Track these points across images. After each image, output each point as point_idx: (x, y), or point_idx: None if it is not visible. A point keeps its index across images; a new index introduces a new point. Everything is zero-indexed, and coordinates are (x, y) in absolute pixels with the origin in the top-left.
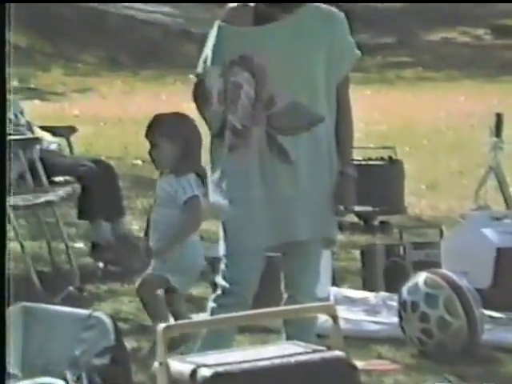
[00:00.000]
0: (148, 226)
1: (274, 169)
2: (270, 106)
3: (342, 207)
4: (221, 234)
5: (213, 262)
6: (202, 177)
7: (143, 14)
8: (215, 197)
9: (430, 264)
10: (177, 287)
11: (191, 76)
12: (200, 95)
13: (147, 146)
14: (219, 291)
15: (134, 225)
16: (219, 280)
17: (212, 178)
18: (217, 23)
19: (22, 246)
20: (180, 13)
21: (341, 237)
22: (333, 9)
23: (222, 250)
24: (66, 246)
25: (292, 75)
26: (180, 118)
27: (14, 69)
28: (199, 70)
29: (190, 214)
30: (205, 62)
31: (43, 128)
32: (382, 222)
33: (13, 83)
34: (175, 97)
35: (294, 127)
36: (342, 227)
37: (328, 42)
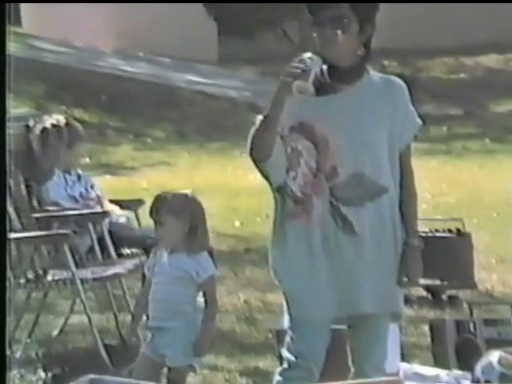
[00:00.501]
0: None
1: (337, 239)
2: (332, 177)
3: (406, 279)
4: (285, 305)
5: (278, 335)
6: (211, 254)
7: (211, 88)
8: (274, 263)
9: (502, 342)
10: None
11: None
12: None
13: (214, 217)
14: (285, 364)
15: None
16: (285, 353)
17: (273, 243)
18: None
19: (89, 319)
20: (247, 86)
21: (409, 311)
22: (393, 78)
23: (286, 322)
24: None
25: (354, 146)
26: (184, 195)
27: (87, 145)
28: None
29: (212, 293)
30: (260, 121)
31: (112, 201)
32: (450, 297)
33: (85, 160)
34: (241, 169)
35: (357, 198)
36: (409, 301)
37: (389, 112)
